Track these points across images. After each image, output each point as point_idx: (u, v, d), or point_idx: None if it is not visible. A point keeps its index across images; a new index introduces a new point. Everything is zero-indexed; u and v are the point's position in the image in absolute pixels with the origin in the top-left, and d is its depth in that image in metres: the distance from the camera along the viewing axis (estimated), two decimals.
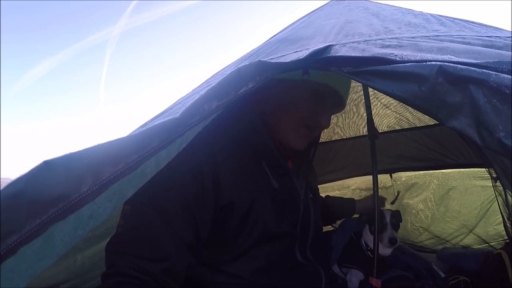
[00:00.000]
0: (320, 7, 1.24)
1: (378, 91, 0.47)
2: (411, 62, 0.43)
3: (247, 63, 0.45)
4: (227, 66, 0.96)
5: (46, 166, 0.32)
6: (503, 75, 0.36)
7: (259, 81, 0.45)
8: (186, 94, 0.83)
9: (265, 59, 0.52)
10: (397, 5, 1.07)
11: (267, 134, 0.83)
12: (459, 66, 0.39)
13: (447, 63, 0.40)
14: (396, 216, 1.58)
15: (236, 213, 0.76)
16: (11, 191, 0.31)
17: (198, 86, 0.86)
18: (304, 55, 0.51)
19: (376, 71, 0.46)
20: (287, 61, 0.50)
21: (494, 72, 0.37)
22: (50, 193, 0.32)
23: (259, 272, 0.80)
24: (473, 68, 0.38)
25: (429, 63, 0.41)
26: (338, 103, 0.90)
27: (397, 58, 0.47)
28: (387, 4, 1.09)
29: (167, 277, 0.69)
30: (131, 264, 0.66)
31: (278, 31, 1.16)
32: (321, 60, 0.54)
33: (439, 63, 0.40)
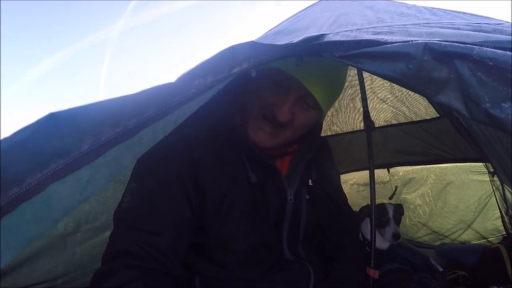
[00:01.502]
0: (316, 3, 1.26)
1: (369, 72, 0.48)
2: (398, 43, 0.44)
3: (242, 43, 0.46)
4: None
5: (52, 118, 0.33)
6: (486, 48, 0.37)
7: (253, 63, 0.46)
8: None
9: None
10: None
11: (243, 128, 0.82)
12: (444, 42, 0.40)
13: (432, 41, 0.41)
14: (399, 211, 1.58)
15: (209, 200, 0.78)
16: (16, 139, 0.31)
17: None
18: (295, 41, 0.53)
19: (365, 53, 0.48)
20: (280, 44, 0.52)
21: (478, 46, 0.38)
22: (53, 146, 0.32)
23: (241, 264, 0.82)
24: (457, 44, 0.40)
25: (415, 41, 0.42)
26: (308, 102, 0.81)
27: (388, 41, 0.48)
28: None
29: (170, 252, 0.72)
30: (137, 239, 0.70)
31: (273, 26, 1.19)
32: (314, 46, 0.56)
33: (424, 41, 0.41)
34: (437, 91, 0.41)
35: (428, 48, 0.41)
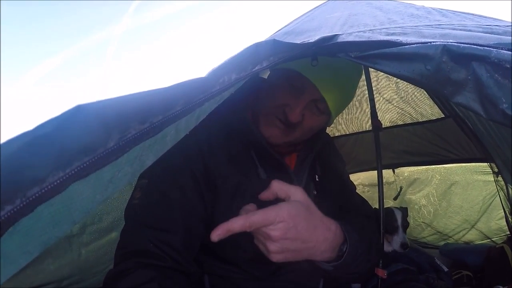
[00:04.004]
0: (323, 3, 1.26)
1: (385, 73, 0.49)
2: (416, 44, 0.45)
3: (264, 40, 0.47)
4: None
5: (79, 111, 0.30)
6: (503, 51, 0.38)
7: (272, 62, 0.47)
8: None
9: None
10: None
11: (254, 124, 0.83)
12: (462, 44, 0.41)
13: (450, 42, 0.42)
14: (405, 215, 1.56)
15: (221, 196, 0.78)
16: (39, 133, 0.28)
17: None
18: (312, 40, 0.54)
19: (383, 54, 0.48)
20: (299, 42, 0.52)
21: (495, 49, 0.39)
22: (79, 142, 0.29)
23: (251, 262, 0.81)
24: (475, 46, 0.40)
25: (434, 43, 0.43)
26: (319, 107, 0.82)
27: (403, 42, 0.49)
28: (390, 0, 1.12)
29: (185, 249, 0.72)
30: (151, 237, 0.69)
31: (282, 26, 1.19)
32: (329, 46, 0.56)
33: (443, 42, 0.42)
34: (455, 92, 0.41)
35: (446, 49, 0.41)
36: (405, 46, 0.45)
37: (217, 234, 0.56)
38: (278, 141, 0.83)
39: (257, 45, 0.46)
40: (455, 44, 0.41)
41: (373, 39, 0.53)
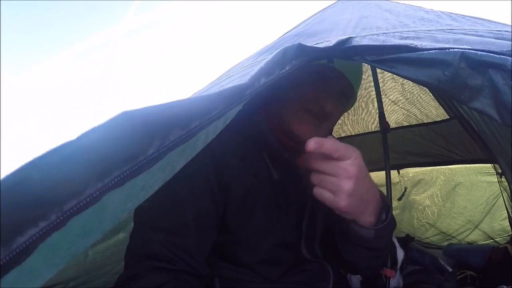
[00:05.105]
0: (331, 5, 1.27)
1: (402, 77, 0.50)
2: (434, 50, 0.46)
3: (291, 45, 0.48)
4: (245, 60, 0.99)
5: (126, 117, 0.29)
6: None
7: (294, 65, 0.48)
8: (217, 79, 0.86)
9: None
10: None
11: (267, 125, 0.83)
12: (480, 52, 0.43)
13: (468, 50, 0.43)
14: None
15: (232, 197, 0.77)
16: (82, 143, 0.26)
17: (218, 79, 0.89)
18: (331, 44, 0.55)
19: (401, 59, 0.49)
20: (320, 46, 0.54)
21: (511, 57, 0.41)
22: (123, 150, 0.28)
23: (262, 263, 0.81)
24: (492, 54, 0.42)
25: (452, 50, 0.45)
26: (347, 93, 0.84)
27: (419, 47, 0.50)
28: (397, 2, 1.12)
29: (197, 252, 0.72)
30: (162, 241, 0.69)
31: (290, 28, 1.20)
32: (345, 49, 0.57)
33: (461, 49, 0.44)
34: (472, 98, 0.43)
35: (464, 56, 0.43)
36: (423, 52, 0.47)
37: (313, 142, 0.56)
38: (310, 137, 0.83)
39: (285, 49, 0.47)
40: (473, 51, 0.43)
41: (389, 43, 0.55)
